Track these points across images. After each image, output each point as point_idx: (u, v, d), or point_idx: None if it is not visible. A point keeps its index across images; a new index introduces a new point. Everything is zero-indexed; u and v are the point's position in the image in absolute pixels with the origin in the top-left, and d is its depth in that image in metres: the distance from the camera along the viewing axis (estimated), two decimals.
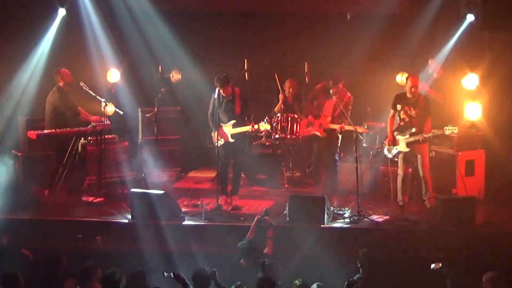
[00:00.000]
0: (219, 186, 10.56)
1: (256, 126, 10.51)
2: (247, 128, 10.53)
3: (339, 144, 11.08)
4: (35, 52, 11.93)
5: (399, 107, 10.14)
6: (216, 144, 10.49)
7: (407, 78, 10.19)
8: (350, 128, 10.43)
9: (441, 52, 11.88)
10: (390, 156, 10.26)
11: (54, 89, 10.80)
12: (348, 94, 10.72)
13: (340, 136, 11.05)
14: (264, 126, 10.53)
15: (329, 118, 10.86)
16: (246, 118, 10.64)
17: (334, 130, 10.89)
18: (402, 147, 10.08)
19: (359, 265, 8.12)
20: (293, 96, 11.84)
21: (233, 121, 10.50)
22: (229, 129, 10.54)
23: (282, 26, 13.30)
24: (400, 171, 10.22)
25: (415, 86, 10.03)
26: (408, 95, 10.08)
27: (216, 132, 10.47)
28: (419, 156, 10.10)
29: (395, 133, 10.20)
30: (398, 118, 10.21)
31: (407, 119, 10.09)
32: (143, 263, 8.65)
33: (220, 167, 10.47)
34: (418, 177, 10.67)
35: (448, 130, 9.80)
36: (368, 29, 12.59)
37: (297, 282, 7.45)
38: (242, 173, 11.68)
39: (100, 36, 12.09)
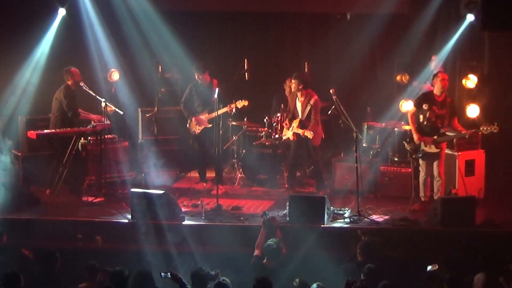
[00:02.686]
0: (200, 175, 11.43)
1: (232, 105, 10.82)
2: (225, 109, 10.81)
3: (317, 143, 10.90)
4: (35, 52, 11.90)
5: (425, 106, 10.00)
6: (193, 132, 11.06)
7: (435, 75, 10.05)
8: (309, 135, 10.47)
9: (443, 51, 11.88)
10: (419, 155, 10.09)
11: (61, 87, 10.82)
12: (315, 97, 10.67)
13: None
14: (241, 103, 10.87)
15: (297, 120, 10.77)
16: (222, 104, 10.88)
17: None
18: (430, 148, 9.99)
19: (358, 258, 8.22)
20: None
21: (208, 108, 10.81)
22: (205, 115, 10.85)
23: (282, 26, 13.31)
24: (422, 172, 10.21)
25: (446, 79, 9.92)
26: (436, 92, 9.95)
27: (193, 119, 11.04)
28: (439, 156, 10.03)
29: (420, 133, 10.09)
30: (421, 117, 10.07)
31: (433, 119, 9.97)
32: (144, 263, 8.66)
33: (200, 155, 11.10)
34: (417, 177, 10.66)
35: (485, 130, 9.68)
36: (368, 29, 12.60)
37: (295, 282, 7.46)
38: (242, 173, 11.73)
39: (100, 36, 12.07)
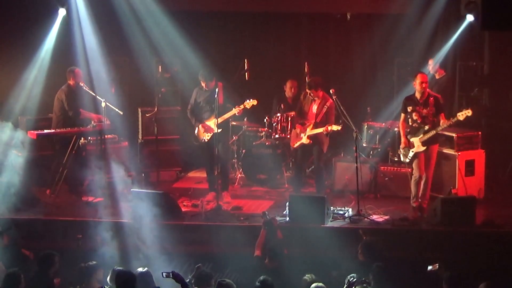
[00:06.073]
0: (210, 184, 10.90)
1: (242, 106, 10.49)
2: (234, 111, 10.50)
3: (325, 149, 10.85)
4: (36, 52, 11.90)
5: (410, 109, 9.95)
6: (202, 139, 10.64)
7: (415, 76, 9.95)
8: (336, 128, 10.35)
9: (441, 52, 11.89)
10: (407, 160, 10.05)
11: (63, 87, 10.83)
12: (331, 100, 10.60)
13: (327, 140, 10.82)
14: (250, 103, 10.51)
15: (311, 124, 10.62)
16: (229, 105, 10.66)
17: (318, 135, 10.61)
18: (418, 148, 9.93)
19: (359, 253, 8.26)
20: (293, 96, 11.89)
21: (215, 113, 10.43)
22: (213, 121, 10.53)
23: (282, 26, 13.31)
24: (415, 173, 10.01)
25: (424, 82, 9.81)
26: (417, 94, 9.89)
27: (200, 127, 10.64)
28: (428, 156, 9.90)
29: (408, 136, 9.99)
30: (409, 120, 9.99)
31: (419, 120, 9.89)
32: (144, 263, 8.66)
33: (211, 162, 10.67)
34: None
35: (462, 116, 9.62)
36: (368, 29, 12.61)
37: (307, 278, 7.48)
38: (242, 173, 11.73)
39: (100, 35, 12.06)
